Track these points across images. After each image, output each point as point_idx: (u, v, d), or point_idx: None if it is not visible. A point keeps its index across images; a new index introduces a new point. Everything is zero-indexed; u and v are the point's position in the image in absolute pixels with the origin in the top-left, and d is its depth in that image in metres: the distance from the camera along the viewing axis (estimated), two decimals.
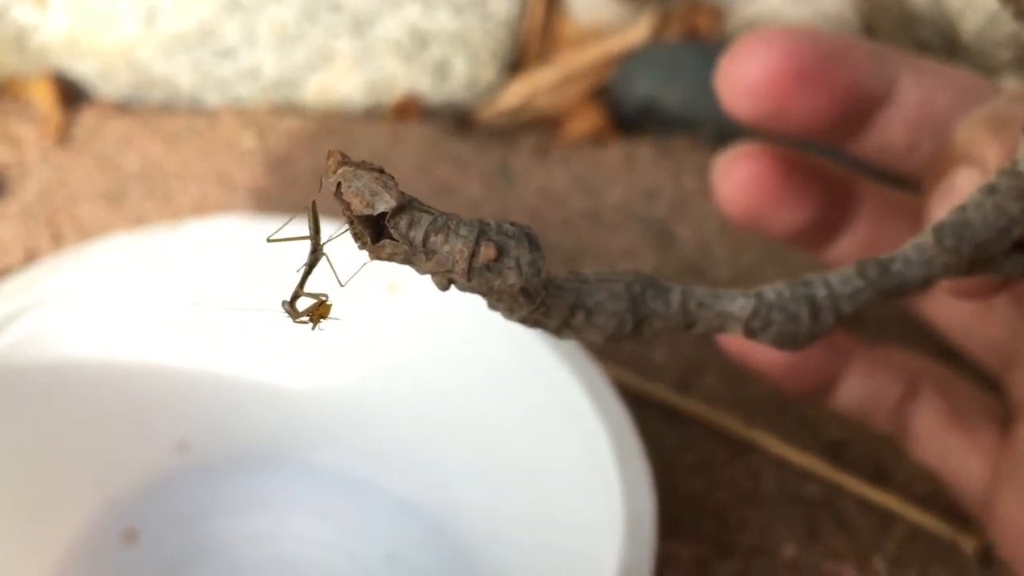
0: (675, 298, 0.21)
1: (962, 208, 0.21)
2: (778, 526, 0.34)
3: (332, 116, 0.47)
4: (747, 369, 0.32)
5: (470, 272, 0.17)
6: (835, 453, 0.36)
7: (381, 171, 0.17)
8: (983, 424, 0.31)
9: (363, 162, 0.17)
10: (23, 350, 0.30)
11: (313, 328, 0.20)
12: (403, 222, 0.17)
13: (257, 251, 0.32)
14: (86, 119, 0.45)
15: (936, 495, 0.35)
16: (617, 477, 0.26)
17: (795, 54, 0.28)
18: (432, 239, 0.17)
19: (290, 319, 0.19)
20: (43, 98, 0.45)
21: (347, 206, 0.17)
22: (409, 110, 0.47)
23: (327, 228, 0.19)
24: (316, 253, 0.19)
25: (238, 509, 0.33)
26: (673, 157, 0.47)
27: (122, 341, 0.32)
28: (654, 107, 0.48)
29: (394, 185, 0.17)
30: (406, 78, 0.47)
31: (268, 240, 0.22)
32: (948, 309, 0.32)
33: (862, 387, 0.32)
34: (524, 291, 0.18)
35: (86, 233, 0.40)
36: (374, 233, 0.17)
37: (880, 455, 0.36)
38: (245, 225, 0.32)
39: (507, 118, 0.48)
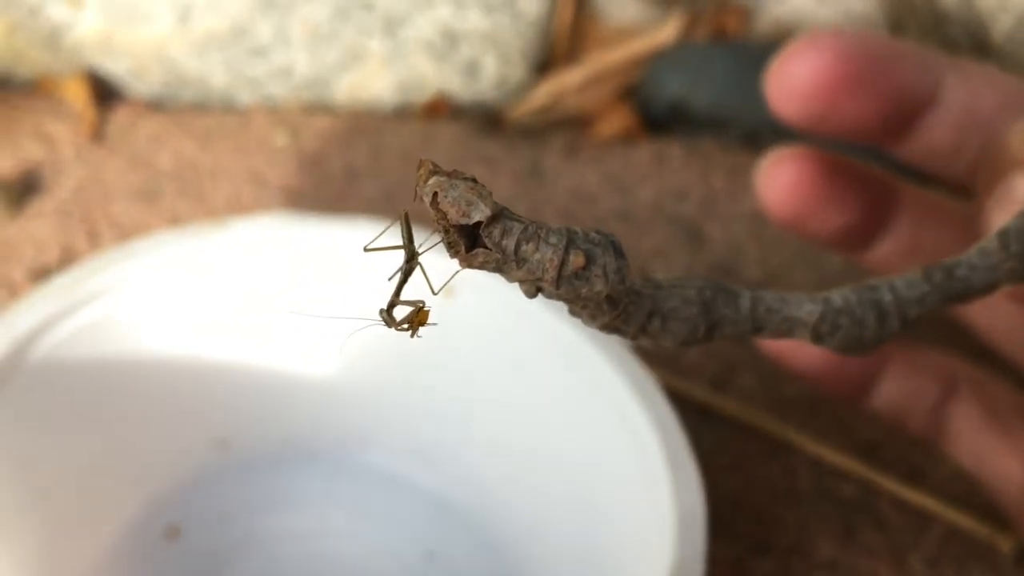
0: (745, 303, 0.21)
1: None
2: (814, 525, 0.34)
3: (363, 115, 0.47)
4: (784, 370, 0.32)
5: (559, 280, 0.17)
6: (870, 453, 0.36)
7: (475, 181, 0.17)
8: (1021, 426, 0.31)
9: (455, 171, 0.17)
10: (69, 348, 0.30)
11: (412, 335, 0.20)
12: (496, 231, 0.17)
13: (299, 250, 0.33)
14: (119, 117, 0.45)
15: (972, 495, 0.35)
16: (666, 475, 0.26)
17: (845, 58, 0.28)
18: (523, 248, 0.17)
19: (387, 326, 0.20)
20: (76, 96, 0.45)
21: (443, 215, 0.17)
22: (439, 109, 0.48)
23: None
24: (411, 262, 0.19)
25: (279, 505, 0.33)
26: (702, 157, 0.48)
27: (165, 340, 0.32)
28: (683, 107, 0.48)
29: (488, 195, 0.17)
30: (437, 77, 0.47)
31: (365, 249, 0.22)
32: (989, 311, 0.32)
33: (899, 388, 0.32)
34: (609, 298, 0.18)
35: (122, 231, 0.40)
36: (468, 242, 0.17)
37: (915, 455, 0.36)
38: (287, 224, 0.33)
39: (537, 117, 0.48)
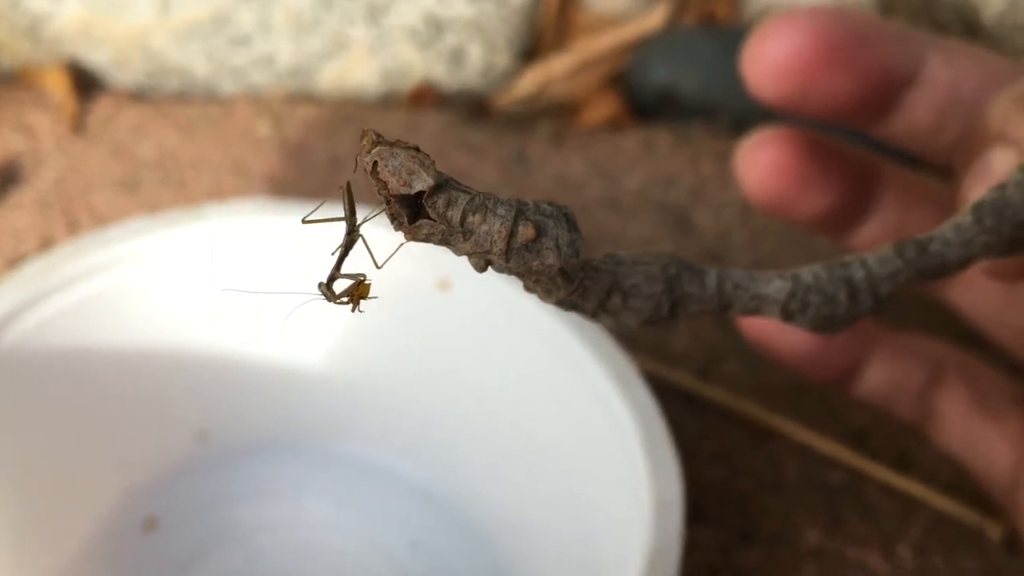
0: (711, 280, 0.20)
1: (1001, 187, 0.21)
2: (801, 513, 0.34)
3: (347, 104, 0.47)
4: (769, 357, 0.32)
5: (508, 253, 0.17)
6: (858, 439, 0.36)
7: (417, 150, 0.16)
8: (1009, 411, 0.31)
9: (398, 141, 0.16)
10: (42, 336, 0.30)
11: (353, 309, 0.19)
12: (440, 201, 0.17)
13: (279, 237, 0.32)
14: (101, 108, 0.45)
15: (960, 481, 0.34)
16: (644, 463, 0.26)
17: (823, 34, 0.27)
18: (470, 219, 0.17)
19: (327, 301, 0.19)
20: (57, 87, 0.45)
21: (383, 185, 0.16)
22: (425, 97, 0.47)
23: (360, 211, 0.19)
24: (352, 235, 0.19)
25: (258, 496, 0.33)
26: (690, 144, 0.47)
27: (142, 328, 0.32)
28: (671, 94, 0.48)
29: (431, 164, 0.16)
30: (421, 65, 0.47)
31: (303, 221, 0.22)
32: (974, 295, 0.32)
33: (886, 374, 0.32)
34: (562, 272, 0.18)
35: (102, 221, 0.40)
36: (411, 213, 0.17)
37: (903, 441, 0.36)
38: (263, 210, 0.32)
39: (523, 105, 0.48)
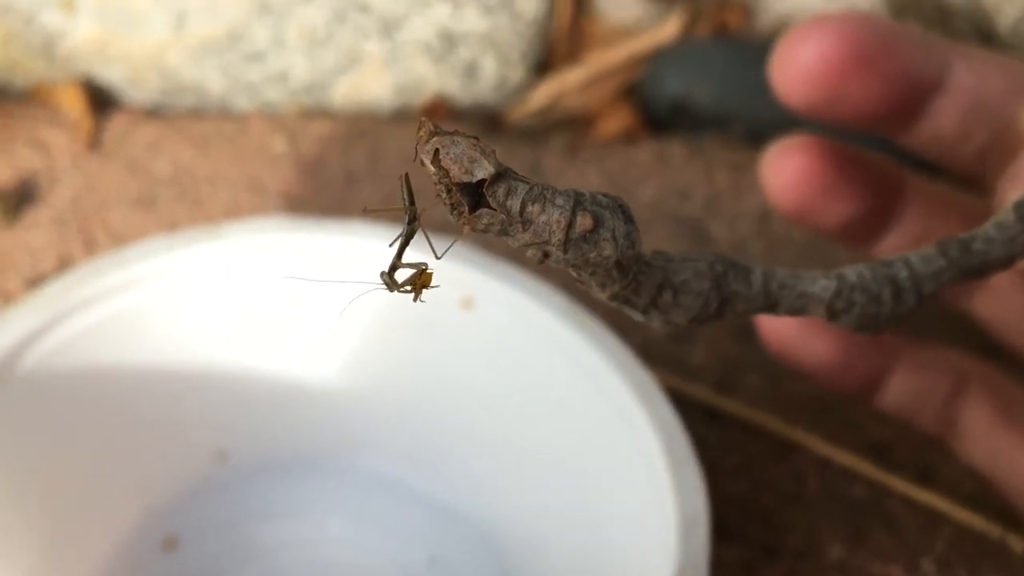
0: (757, 279, 0.20)
1: None
2: (824, 527, 0.33)
3: (362, 118, 0.47)
4: (791, 369, 0.32)
5: (567, 243, 0.17)
6: (880, 453, 0.35)
7: (477, 139, 0.16)
8: None
9: (457, 131, 0.16)
10: (63, 357, 0.30)
11: (415, 299, 0.19)
12: (500, 190, 0.16)
13: (295, 255, 0.32)
14: (116, 125, 0.45)
15: (983, 495, 0.34)
16: (669, 480, 0.25)
17: (851, 39, 0.27)
18: (529, 208, 0.17)
19: (388, 290, 0.19)
20: (72, 104, 0.45)
21: (445, 173, 0.16)
22: (438, 111, 0.47)
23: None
24: (413, 223, 0.19)
25: (278, 514, 0.33)
26: (705, 155, 0.47)
27: (160, 347, 0.32)
28: (685, 105, 0.48)
29: (492, 152, 0.16)
30: (435, 79, 0.47)
31: (364, 211, 0.22)
32: (998, 305, 0.31)
33: (909, 386, 0.32)
34: (618, 264, 0.18)
35: (119, 239, 0.40)
36: (471, 202, 0.17)
37: (926, 455, 0.35)
38: (282, 228, 0.32)
39: (537, 118, 0.48)
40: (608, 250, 0.17)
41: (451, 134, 0.16)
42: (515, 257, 0.34)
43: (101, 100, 0.46)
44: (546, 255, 0.17)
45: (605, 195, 0.17)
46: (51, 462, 0.29)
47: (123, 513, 0.31)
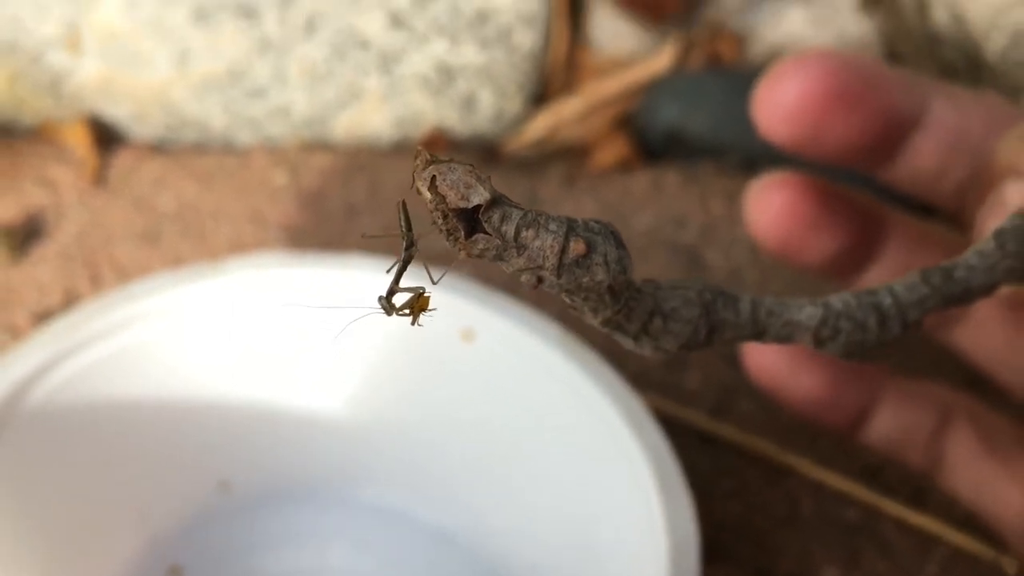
0: (745, 307, 0.21)
1: (1021, 215, 0.21)
2: (818, 551, 0.34)
3: (362, 152, 0.48)
4: (778, 402, 0.32)
5: (560, 268, 0.17)
6: (873, 476, 0.36)
7: (472, 166, 0.17)
8: (1018, 455, 0.31)
9: (452, 158, 0.17)
10: (69, 391, 0.31)
11: (413, 322, 0.20)
12: (496, 216, 0.17)
13: (300, 289, 0.33)
14: (121, 161, 0.46)
15: (976, 517, 0.34)
16: (659, 505, 0.26)
17: (832, 76, 0.28)
18: (523, 234, 0.17)
19: (386, 314, 0.20)
20: (78, 141, 0.46)
21: (442, 199, 0.17)
22: (437, 143, 0.48)
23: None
24: (410, 249, 0.19)
25: (280, 544, 0.33)
26: (700, 184, 0.48)
27: (165, 382, 0.33)
28: (679, 134, 0.48)
29: (487, 179, 0.17)
30: (433, 112, 0.48)
31: (362, 236, 0.22)
32: (980, 337, 0.32)
33: (895, 420, 0.32)
34: (610, 290, 0.18)
35: (124, 274, 0.41)
36: (467, 228, 0.17)
37: (918, 477, 0.36)
38: (283, 263, 0.33)
39: (534, 149, 0.49)
40: (600, 275, 0.18)
41: (447, 161, 0.17)
42: (511, 289, 0.34)
43: (106, 137, 0.47)
44: (540, 280, 0.18)
45: (597, 221, 0.18)
46: (56, 495, 0.30)
47: (127, 544, 0.32)
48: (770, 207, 0.31)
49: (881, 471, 0.36)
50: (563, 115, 0.48)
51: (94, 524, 0.31)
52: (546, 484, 0.31)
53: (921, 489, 0.36)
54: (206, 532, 0.33)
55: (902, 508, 0.35)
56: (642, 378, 0.33)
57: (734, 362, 0.39)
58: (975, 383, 0.33)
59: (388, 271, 0.20)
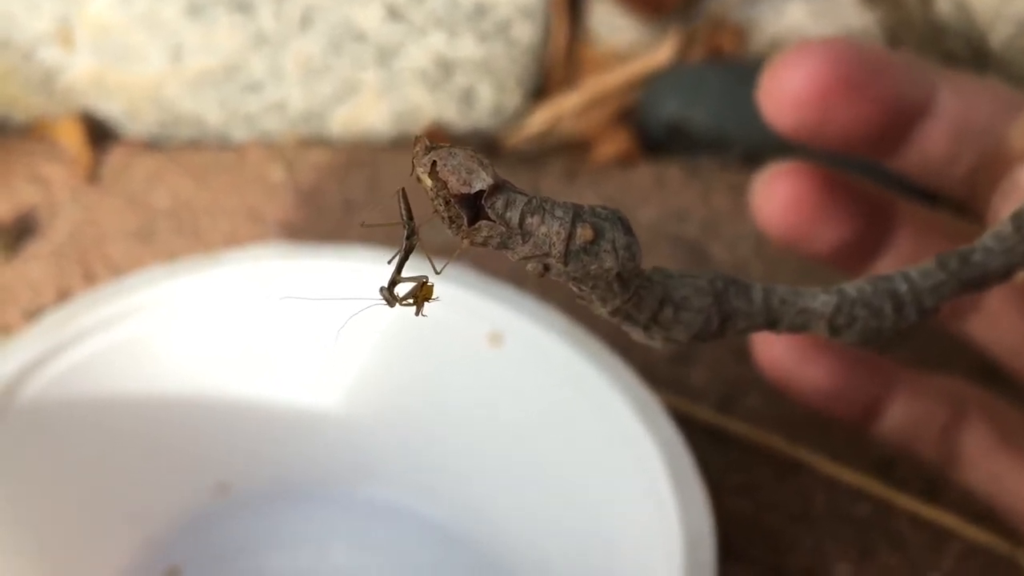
0: (757, 295, 0.20)
1: None
2: (830, 546, 0.33)
3: (359, 147, 0.47)
4: (788, 395, 0.32)
5: (567, 255, 0.17)
6: (885, 470, 0.35)
7: (473, 151, 0.16)
8: None
9: (452, 144, 0.16)
10: (62, 387, 0.30)
11: (417, 313, 0.19)
12: (499, 202, 0.16)
13: (293, 282, 0.32)
14: (114, 158, 0.45)
15: (990, 510, 0.34)
16: (672, 499, 0.25)
17: (839, 64, 0.27)
18: (528, 220, 0.17)
19: (388, 306, 0.19)
20: (71, 138, 0.45)
21: (443, 185, 0.16)
22: (436, 138, 0.47)
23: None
24: (411, 238, 0.19)
25: (280, 544, 0.33)
26: (702, 177, 0.47)
27: (160, 377, 0.32)
28: (681, 128, 0.48)
29: (489, 164, 0.16)
30: (432, 107, 0.47)
31: (361, 225, 0.21)
32: (993, 328, 0.31)
33: (908, 413, 0.31)
34: (619, 278, 0.18)
35: (118, 271, 0.40)
36: (470, 215, 0.16)
37: (931, 471, 0.35)
38: (280, 256, 0.32)
39: (534, 144, 0.48)
40: (609, 262, 0.17)
41: (447, 147, 0.16)
42: (510, 278, 0.34)
43: (100, 133, 0.46)
44: (546, 268, 0.17)
45: (604, 207, 0.17)
46: (50, 492, 0.29)
47: (124, 544, 0.31)
48: (777, 196, 0.31)
49: (894, 465, 0.36)
50: (563, 109, 0.48)
51: (90, 524, 0.31)
52: (554, 479, 0.31)
53: (935, 483, 0.35)
54: (205, 531, 0.32)
55: (916, 502, 0.34)
56: (648, 373, 0.32)
57: (741, 357, 0.39)
58: (989, 375, 0.32)
59: (389, 262, 0.19)
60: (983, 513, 0.34)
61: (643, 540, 0.27)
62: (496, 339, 0.31)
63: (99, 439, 0.31)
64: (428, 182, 0.16)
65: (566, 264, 0.17)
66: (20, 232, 0.41)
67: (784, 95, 0.27)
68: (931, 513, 0.34)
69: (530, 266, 0.17)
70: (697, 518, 0.25)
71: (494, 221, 0.16)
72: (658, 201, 0.46)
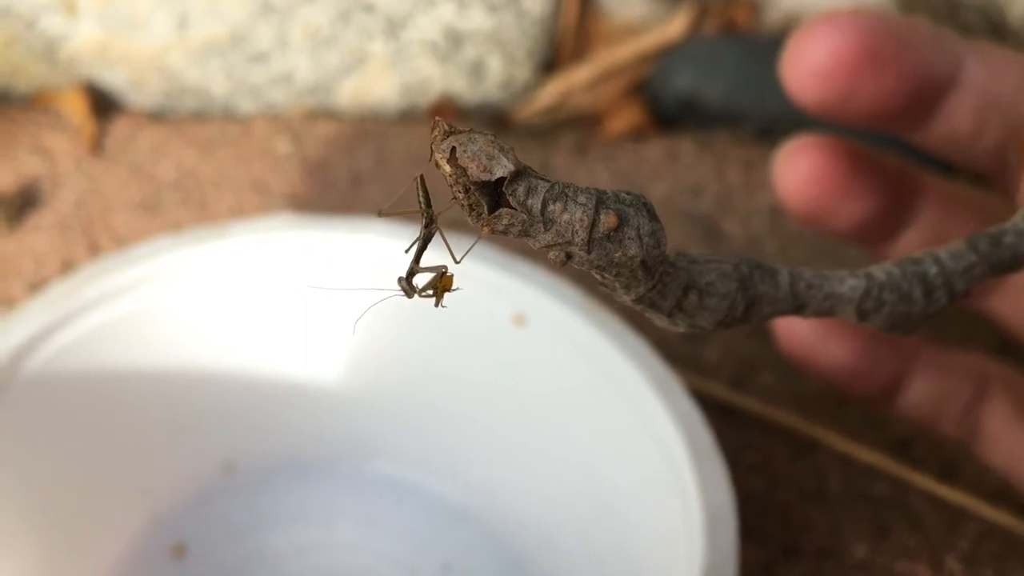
0: (783, 280, 0.19)
1: None
2: (846, 526, 0.33)
3: (367, 119, 0.46)
4: (808, 372, 0.31)
5: (590, 243, 0.16)
6: (902, 449, 0.35)
7: (494, 136, 0.16)
8: None
9: (472, 129, 0.16)
10: (67, 359, 0.29)
11: (437, 303, 0.18)
12: (520, 189, 0.16)
13: (305, 253, 0.32)
14: (119, 129, 0.45)
15: (1008, 490, 0.33)
16: (692, 474, 0.25)
17: (866, 35, 0.26)
18: (550, 207, 0.16)
19: (407, 296, 0.18)
20: (75, 108, 0.44)
21: (463, 172, 0.15)
22: (445, 111, 0.47)
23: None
24: (430, 226, 0.18)
25: (288, 520, 0.32)
26: (715, 152, 0.46)
27: (166, 350, 0.31)
28: (694, 102, 0.47)
29: (510, 150, 0.16)
30: (441, 79, 0.46)
31: (379, 214, 0.21)
32: (1016, 305, 0.31)
33: (929, 390, 0.31)
34: (643, 265, 0.17)
35: (123, 243, 0.39)
36: (490, 202, 0.16)
37: (948, 450, 0.35)
38: (289, 227, 0.32)
39: (545, 117, 0.47)
40: (633, 249, 0.17)
41: (467, 132, 0.16)
42: (521, 252, 0.33)
43: (104, 104, 0.45)
44: (569, 256, 0.17)
45: (628, 192, 0.17)
46: (56, 466, 0.29)
47: (130, 519, 0.31)
48: (800, 170, 0.30)
49: (911, 444, 0.35)
50: (574, 82, 0.47)
51: (95, 500, 0.30)
52: (565, 458, 0.30)
53: (952, 462, 0.35)
54: (211, 508, 0.32)
55: (933, 482, 0.34)
56: (661, 351, 0.32)
57: (754, 334, 0.38)
58: (1011, 351, 0.32)
59: (407, 251, 0.19)
60: (1000, 492, 0.33)
61: (660, 519, 0.26)
62: (520, 320, 0.30)
63: (105, 411, 0.30)
64: (447, 169, 0.16)
65: (589, 252, 0.16)
66: (23, 203, 0.41)
67: (809, 68, 0.27)
68: (948, 493, 0.33)
69: (552, 254, 0.17)
70: (717, 495, 0.24)
71: (515, 209, 0.16)
72: (671, 176, 0.45)
